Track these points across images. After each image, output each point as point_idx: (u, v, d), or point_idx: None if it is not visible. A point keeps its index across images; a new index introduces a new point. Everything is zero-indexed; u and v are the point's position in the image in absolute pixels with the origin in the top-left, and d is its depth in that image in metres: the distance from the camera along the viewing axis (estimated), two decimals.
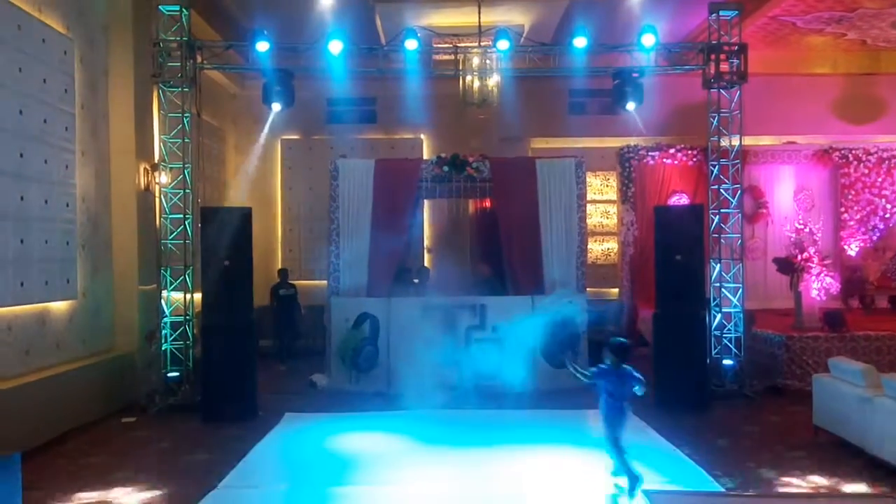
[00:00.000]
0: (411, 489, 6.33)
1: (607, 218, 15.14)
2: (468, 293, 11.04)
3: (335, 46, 10.12)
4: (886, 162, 14.21)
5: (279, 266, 14.05)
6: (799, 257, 10.76)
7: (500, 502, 6.07)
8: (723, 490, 6.18)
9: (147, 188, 10.32)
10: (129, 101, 9.98)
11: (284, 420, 8.76)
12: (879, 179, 14.23)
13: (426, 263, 13.92)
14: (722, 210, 10.53)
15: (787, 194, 14.35)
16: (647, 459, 7.01)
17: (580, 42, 10.22)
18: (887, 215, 14.15)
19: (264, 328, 13.05)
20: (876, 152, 14.21)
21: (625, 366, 5.70)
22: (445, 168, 11.10)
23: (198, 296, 9.89)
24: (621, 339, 5.90)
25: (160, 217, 10.10)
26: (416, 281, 12.20)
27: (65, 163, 8.77)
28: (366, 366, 10.14)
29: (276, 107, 10.64)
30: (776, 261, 11.52)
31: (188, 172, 9.91)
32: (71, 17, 9.04)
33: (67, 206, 8.80)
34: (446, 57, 11.21)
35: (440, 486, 6.41)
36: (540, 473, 6.72)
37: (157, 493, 6.34)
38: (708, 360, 9.85)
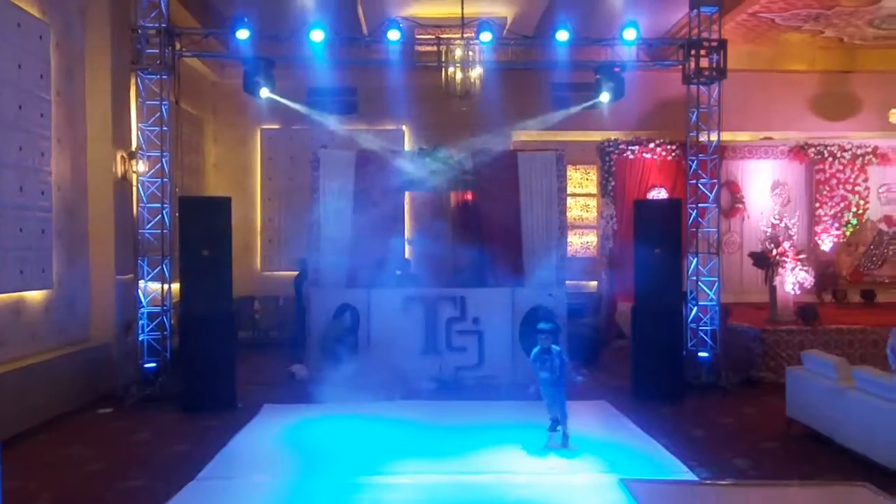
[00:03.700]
0: (390, 480, 6.34)
1: (587, 211, 15.24)
2: (449, 285, 11.06)
3: (316, 35, 10.04)
4: (860, 158, 14.43)
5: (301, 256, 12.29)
6: (774, 252, 10.90)
7: (483, 494, 6.10)
8: (698, 479, 6.28)
9: (124, 177, 10.19)
10: (106, 88, 9.82)
11: (263, 411, 8.72)
12: (853, 176, 14.46)
13: (406, 255, 13.90)
14: (700, 204, 10.65)
15: (764, 189, 14.53)
16: (624, 449, 7.14)
17: (562, 35, 10.25)
18: (860, 211, 14.40)
19: (243, 319, 12.93)
20: (850, 149, 14.41)
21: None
22: (427, 159, 11.10)
23: (175, 286, 9.80)
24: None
25: (137, 206, 9.98)
26: (398, 272, 12.15)
27: (40, 150, 8.62)
28: (346, 357, 10.12)
29: (263, 92, 10.52)
30: (752, 255, 11.66)
31: (166, 161, 9.79)
32: (47, 0, 8.86)
33: (43, 194, 8.66)
34: (429, 48, 11.19)
35: (420, 477, 6.42)
36: (520, 466, 6.77)
37: (134, 484, 6.29)
38: (684, 353, 9.98)
